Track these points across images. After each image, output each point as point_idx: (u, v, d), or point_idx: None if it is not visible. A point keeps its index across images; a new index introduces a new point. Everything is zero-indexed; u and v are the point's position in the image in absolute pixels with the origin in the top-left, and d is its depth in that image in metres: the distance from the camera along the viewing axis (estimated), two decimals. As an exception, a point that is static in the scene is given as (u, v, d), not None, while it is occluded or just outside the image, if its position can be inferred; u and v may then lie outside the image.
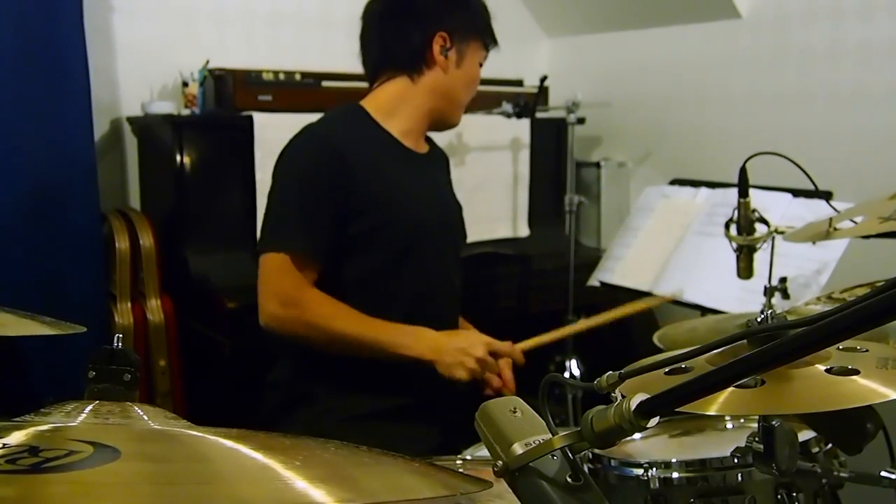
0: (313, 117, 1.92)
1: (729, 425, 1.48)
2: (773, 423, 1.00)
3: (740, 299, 2.08)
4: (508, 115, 2.87)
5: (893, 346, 0.93)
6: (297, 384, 1.87)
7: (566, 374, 2.75)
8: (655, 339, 1.63)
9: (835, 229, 1.39)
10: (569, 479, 0.67)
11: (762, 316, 0.86)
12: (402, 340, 1.75)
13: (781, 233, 1.65)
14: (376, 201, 1.80)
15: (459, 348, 1.75)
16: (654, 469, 1.23)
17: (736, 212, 1.67)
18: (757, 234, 1.67)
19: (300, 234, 1.75)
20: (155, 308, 2.46)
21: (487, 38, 1.94)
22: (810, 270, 2.02)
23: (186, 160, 2.52)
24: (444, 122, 1.96)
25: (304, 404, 1.84)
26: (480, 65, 1.95)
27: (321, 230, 1.75)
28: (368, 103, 1.90)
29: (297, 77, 2.67)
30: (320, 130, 1.85)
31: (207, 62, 2.65)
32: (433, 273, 1.90)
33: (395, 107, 1.88)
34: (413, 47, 1.85)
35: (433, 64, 1.86)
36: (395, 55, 1.88)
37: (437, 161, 2.05)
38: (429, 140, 2.03)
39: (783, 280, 1.78)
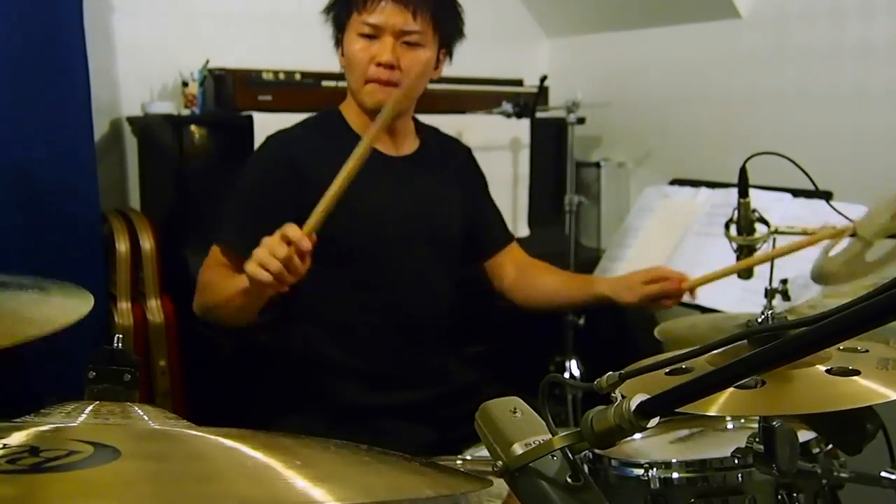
0: (313, 117, 1.93)
1: (729, 426, 1.48)
2: (774, 423, 1.00)
3: (740, 300, 2.08)
4: (508, 115, 2.87)
5: (893, 347, 0.93)
6: (289, 384, 1.87)
7: (566, 374, 2.75)
8: (657, 332, 1.63)
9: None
10: (569, 480, 0.67)
11: (762, 316, 0.86)
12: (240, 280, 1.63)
13: (782, 233, 1.65)
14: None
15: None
16: (655, 469, 1.23)
17: (736, 212, 1.67)
18: (757, 235, 1.67)
19: (233, 230, 1.79)
20: (155, 308, 2.45)
21: (343, 10, 1.82)
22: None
23: (186, 160, 2.52)
24: (365, 110, 1.83)
25: (294, 402, 1.84)
26: (361, 35, 1.78)
27: (255, 232, 1.59)
28: (346, 106, 1.89)
29: (297, 77, 2.67)
30: (284, 138, 1.87)
31: (207, 62, 2.65)
32: (403, 283, 1.86)
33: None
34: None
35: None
36: None
37: (427, 161, 1.95)
38: (427, 138, 1.97)
39: (784, 281, 1.78)
